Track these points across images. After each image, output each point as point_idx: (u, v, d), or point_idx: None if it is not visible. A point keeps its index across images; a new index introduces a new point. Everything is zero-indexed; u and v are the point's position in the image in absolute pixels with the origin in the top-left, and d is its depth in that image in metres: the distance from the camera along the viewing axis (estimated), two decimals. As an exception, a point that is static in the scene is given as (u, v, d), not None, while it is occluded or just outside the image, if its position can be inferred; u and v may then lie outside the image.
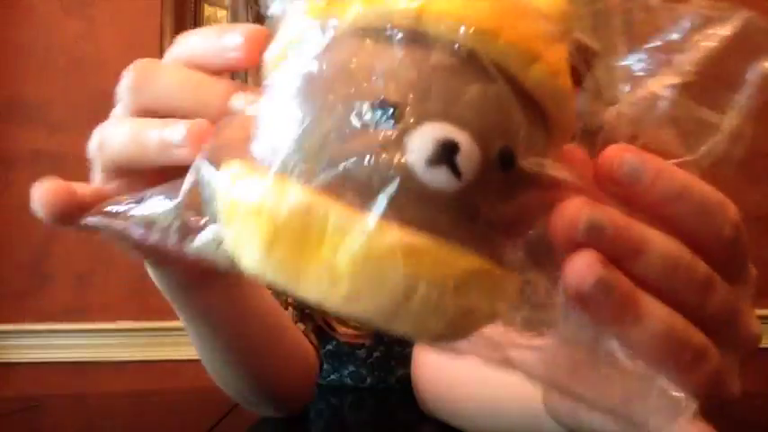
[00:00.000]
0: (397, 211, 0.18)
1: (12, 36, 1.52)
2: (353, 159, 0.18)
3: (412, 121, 0.18)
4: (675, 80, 0.23)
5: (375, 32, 0.19)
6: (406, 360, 0.60)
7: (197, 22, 1.55)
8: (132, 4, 1.54)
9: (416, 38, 0.19)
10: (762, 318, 1.41)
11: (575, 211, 0.20)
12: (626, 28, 0.23)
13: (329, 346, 0.70)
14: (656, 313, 0.21)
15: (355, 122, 0.19)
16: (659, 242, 0.21)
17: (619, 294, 0.20)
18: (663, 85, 0.23)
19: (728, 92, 0.23)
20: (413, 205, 0.18)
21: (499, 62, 0.19)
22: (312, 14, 0.21)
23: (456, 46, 0.19)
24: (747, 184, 1.54)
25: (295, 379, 0.57)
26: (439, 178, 0.18)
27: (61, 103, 1.51)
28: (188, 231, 0.24)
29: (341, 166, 0.18)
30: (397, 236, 0.18)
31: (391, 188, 0.18)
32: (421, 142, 0.18)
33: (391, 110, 0.18)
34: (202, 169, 0.23)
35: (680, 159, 0.23)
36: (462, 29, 0.19)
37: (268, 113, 0.21)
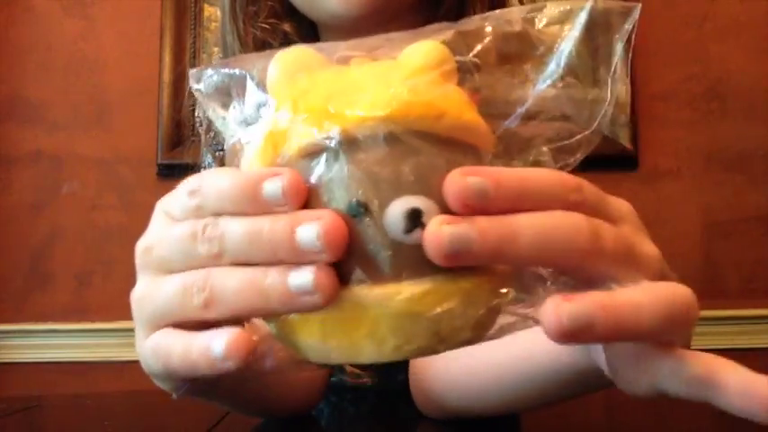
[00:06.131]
0: (401, 273, 0.24)
1: (12, 36, 1.52)
2: (356, 250, 0.24)
3: (381, 208, 0.24)
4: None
5: (325, 149, 0.24)
6: (406, 364, 0.60)
7: (197, 22, 1.55)
8: (132, 4, 1.54)
9: (352, 141, 0.24)
10: (763, 318, 1.41)
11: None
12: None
13: (333, 378, 0.69)
14: (534, 216, 0.24)
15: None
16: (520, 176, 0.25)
17: (489, 224, 0.23)
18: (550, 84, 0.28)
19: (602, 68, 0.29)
20: (410, 263, 0.24)
21: (418, 131, 0.24)
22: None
23: (382, 137, 0.24)
24: (747, 183, 1.54)
25: (304, 401, 0.58)
26: (420, 237, 0.23)
27: (61, 103, 1.51)
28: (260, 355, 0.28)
29: (350, 260, 0.24)
30: (409, 292, 0.24)
31: (397, 261, 0.24)
32: (394, 220, 0.23)
33: (364, 206, 0.24)
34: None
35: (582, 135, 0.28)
36: (379, 125, 0.24)
37: None
